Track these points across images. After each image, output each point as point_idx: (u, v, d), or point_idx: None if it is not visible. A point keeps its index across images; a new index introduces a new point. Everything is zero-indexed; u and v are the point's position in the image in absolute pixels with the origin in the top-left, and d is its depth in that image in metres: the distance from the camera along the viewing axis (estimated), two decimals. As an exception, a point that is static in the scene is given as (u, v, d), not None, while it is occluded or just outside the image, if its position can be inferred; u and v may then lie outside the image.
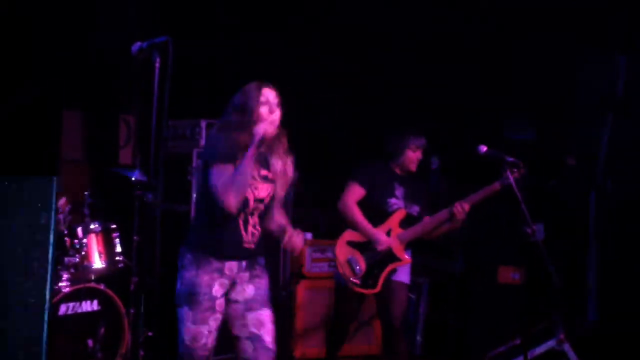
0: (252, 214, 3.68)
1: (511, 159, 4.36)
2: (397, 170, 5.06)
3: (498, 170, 4.47)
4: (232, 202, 3.48)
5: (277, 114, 3.64)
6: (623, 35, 5.85)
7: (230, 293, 3.69)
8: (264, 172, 3.69)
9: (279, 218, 3.86)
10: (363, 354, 6.03)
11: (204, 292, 3.61)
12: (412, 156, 5.00)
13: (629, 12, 5.76)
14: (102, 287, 5.03)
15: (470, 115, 6.33)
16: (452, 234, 5.08)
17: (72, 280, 4.98)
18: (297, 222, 4.96)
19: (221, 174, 3.51)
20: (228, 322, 3.73)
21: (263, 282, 3.79)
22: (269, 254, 5.89)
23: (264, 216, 3.77)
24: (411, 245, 5.01)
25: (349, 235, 4.97)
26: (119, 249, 5.26)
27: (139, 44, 4.21)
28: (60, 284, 4.89)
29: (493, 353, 5.16)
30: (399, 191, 5.02)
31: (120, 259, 5.27)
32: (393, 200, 4.99)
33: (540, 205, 4.79)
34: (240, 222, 3.66)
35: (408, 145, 5.00)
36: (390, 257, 4.90)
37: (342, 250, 4.92)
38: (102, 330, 4.97)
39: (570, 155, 5.81)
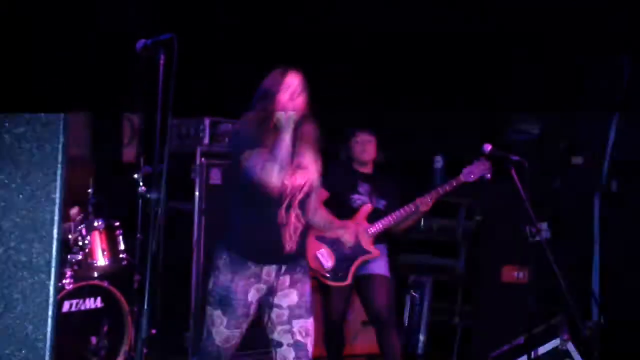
0: (291, 206, 3.56)
1: (516, 158, 4.37)
2: (358, 167, 5.18)
3: (502, 169, 4.47)
4: (274, 178, 3.40)
5: (300, 100, 3.56)
6: (627, 35, 5.85)
7: (271, 297, 3.61)
8: (295, 161, 3.57)
9: (323, 211, 3.95)
10: (366, 353, 6.02)
11: (240, 298, 3.57)
12: (357, 146, 5.14)
13: (631, 12, 5.76)
14: (105, 284, 5.03)
15: (474, 114, 6.33)
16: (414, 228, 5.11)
17: (76, 278, 4.98)
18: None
19: (257, 157, 3.45)
20: (268, 326, 3.66)
21: (306, 287, 3.69)
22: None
23: (304, 208, 3.65)
24: (383, 240, 5.11)
25: (316, 230, 4.86)
26: (122, 246, 5.25)
27: (143, 41, 4.21)
28: (63, 281, 4.89)
29: (496, 352, 5.15)
30: (362, 187, 5.12)
31: (124, 256, 5.26)
32: (356, 196, 5.08)
33: (545, 205, 4.77)
34: (281, 217, 3.53)
35: (349, 137, 5.18)
36: (359, 250, 4.95)
37: (310, 245, 4.87)
38: (106, 327, 4.97)
39: (575, 154, 5.81)
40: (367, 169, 5.20)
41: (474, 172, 4.89)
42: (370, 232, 4.99)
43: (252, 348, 5.76)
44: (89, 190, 5.25)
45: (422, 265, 5.92)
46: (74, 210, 5.15)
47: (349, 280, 4.94)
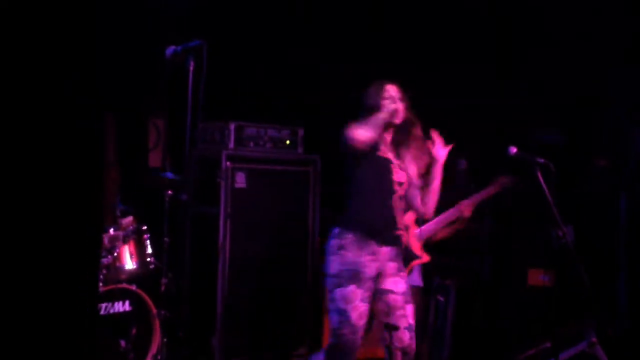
0: (395, 194, 4.01)
1: (542, 161, 4.36)
2: None
3: (527, 172, 4.47)
4: (360, 136, 3.86)
5: (400, 105, 4.04)
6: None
7: (384, 283, 3.96)
8: (397, 161, 4.09)
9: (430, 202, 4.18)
10: (372, 357, 6.02)
11: (368, 272, 3.88)
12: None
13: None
14: (133, 287, 5.08)
15: (499, 116, 6.33)
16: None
17: (105, 281, 5.03)
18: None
19: (352, 125, 3.91)
20: (384, 311, 3.98)
21: (405, 275, 4.13)
22: (297, 256, 5.98)
23: (403, 203, 4.10)
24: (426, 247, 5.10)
25: None
26: (150, 250, 5.30)
27: (173, 48, 4.26)
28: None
29: (523, 356, 5.15)
30: None
31: (151, 260, 5.31)
32: None
33: (570, 208, 4.78)
34: (393, 205, 4.00)
35: None
36: (410, 255, 4.94)
37: None
38: (134, 330, 5.02)
39: (600, 157, 5.80)
40: None
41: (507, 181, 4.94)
42: (420, 237, 4.97)
43: (263, 352, 5.80)
44: (117, 195, 5.32)
45: (446, 268, 5.89)
46: (127, 220, 5.19)
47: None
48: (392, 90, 4.11)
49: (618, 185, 5.73)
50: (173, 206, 5.19)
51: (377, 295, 3.95)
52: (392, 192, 4.00)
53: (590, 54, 6.02)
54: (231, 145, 5.61)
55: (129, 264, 5.21)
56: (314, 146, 6.05)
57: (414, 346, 3.95)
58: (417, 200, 4.17)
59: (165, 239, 5.19)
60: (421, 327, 5.12)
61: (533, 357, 5.03)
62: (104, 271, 5.08)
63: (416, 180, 4.15)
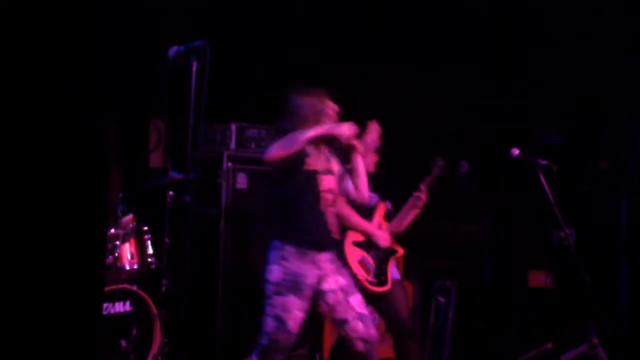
0: (325, 202, 4.11)
1: (544, 162, 4.36)
2: None
3: (529, 174, 4.46)
4: (275, 155, 3.93)
5: (341, 127, 4.07)
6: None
7: (322, 285, 4.05)
8: (324, 166, 4.18)
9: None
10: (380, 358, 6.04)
11: (308, 282, 3.99)
12: (372, 157, 5.05)
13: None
14: (134, 288, 5.08)
15: (499, 117, 6.34)
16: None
17: (106, 281, 5.02)
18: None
19: (275, 142, 4.00)
20: (329, 311, 4.08)
21: (347, 272, 4.23)
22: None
23: (334, 206, 4.20)
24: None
25: (352, 236, 4.99)
26: (150, 250, 5.29)
27: (176, 48, 4.24)
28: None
29: (524, 357, 5.15)
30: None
31: (152, 260, 5.30)
32: (371, 196, 5.04)
33: (571, 209, 4.78)
34: (325, 212, 4.11)
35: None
36: (389, 250, 4.99)
37: (351, 252, 4.92)
38: (135, 330, 5.02)
39: (602, 159, 5.80)
40: None
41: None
42: (392, 231, 5.02)
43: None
44: (118, 195, 5.31)
45: (447, 270, 5.92)
46: (127, 218, 5.19)
47: (389, 285, 4.91)
48: (331, 107, 4.20)
49: (619, 187, 5.74)
50: (174, 207, 5.18)
51: (317, 300, 4.07)
52: (322, 200, 4.11)
53: (590, 54, 6.02)
54: (232, 146, 5.61)
55: (130, 264, 5.20)
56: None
57: (372, 332, 4.05)
58: (351, 190, 4.31)
59: (166, 239, 5.18)
60: (420, 325, 5.12)
61: (534, 359, 5.03)
62: (105, 271, 5.07)
63: (343, 174, 4.31)
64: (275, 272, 4.01)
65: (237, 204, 5.60)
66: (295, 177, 4.06)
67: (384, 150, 5.78)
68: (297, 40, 6.55)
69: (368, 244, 4.96)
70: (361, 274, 4.87)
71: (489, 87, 6.60)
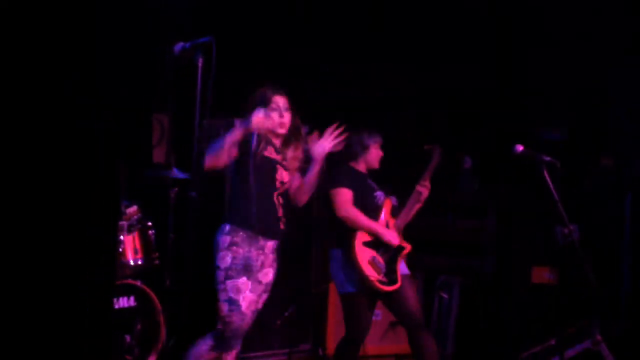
0: (278, 193, 4.28)
1: (548, 159, 4.36)
2: (363, 170, 5.12)
3: (532, 170, 4.47)
4: (208, 163, 4.17)
5: (286, 117, 4.32)
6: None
7: (257, 273, 4.23)
8: (284, 161, 4.36)
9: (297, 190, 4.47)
10: (394, 353, 6.06)
11: (257, 265, 4.19)
12: (377, 153, 5.13)
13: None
14: (138, 283, 5.08)
15: (501, 116, 6.36)
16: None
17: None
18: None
19: (210, 147, 4.24)
20: None
21: (277, 266, 4.37)
22: (300, 253, 6.01)
23: (285, 198, 4.36)
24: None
25: (361, 236, 4.91)
26: (155, 246, 5.29)
27: (181, 44, 4.26)
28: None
29: (527, 353, 5.17)
30: (374, 185, 5.12)
31: (156, 256, 5.30)
32: (378, 194, 5.08)
33: (575, 206, 4.78)
34: (276, 201, 4.27)
35: (371, 142, 5.13)
36: (397, 248, 4.96)
37: (362, 253, 4.86)
38: (139, 326, 5.03)
39: (606, 155, 5.82)
40: (366, 170, 5.16)
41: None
42: (399, 227, 5.01)
43: (266, 349, 5.81)
44: (121, 190, 5.31)
45: (450, 266, 5.94)
46: (131, 209, 5.19)
47: (399, 282, 4.87)
48: (280, 101, 4.35)
49: (623, 185, 5.75)
50: (178, 202, 5.19)
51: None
52: (275, 190, 4.28)
53: (590, 54, 6.04)
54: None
55: (134, 259, 5.20)
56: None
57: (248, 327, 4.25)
58: (292, 187, 4.44)
59: (171, 234, 5.19)
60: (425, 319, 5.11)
61: (538, 355, 5.05)
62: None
63: (296, 176, 4.44)
64: (226, 258, 4.16)
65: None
66: (256, 162, 4.21)
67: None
68: (297, 40, 6.55)
69: (377, 243, 4.91)
70: (372, 274, 4.80)
71: (489, 86, 6.62)
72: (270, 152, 4.34)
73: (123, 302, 5.02)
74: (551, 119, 6.37)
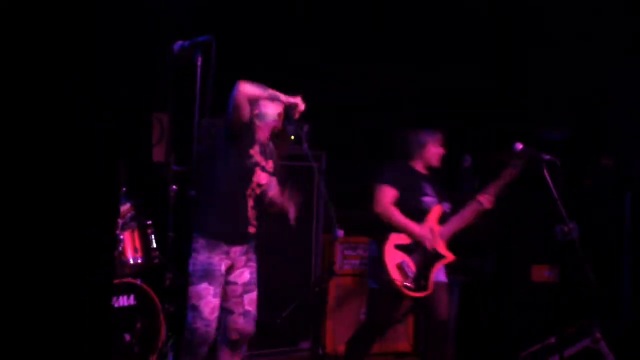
0: (251, 196, 4.22)
1: (548, 157, 4.35)
2: (421, 169, 5.02)
3: (533, 169, 4.46)
4: (247, 90, 4.12)
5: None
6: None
7: (230, 275, 4.22)
8: (266, 165, 4.31)
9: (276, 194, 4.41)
10: (393, 352, 6.06)
11: (218, 270, 4.13)
12: (436, 151, 5.00)
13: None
14: (138, 282, 5.07)
15: (504, 113, 6.35)
16: (484, 228, 5.07)
17: (109, 276, 5.03)
18: (328, 219, 5.04)
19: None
20: (224, 299, 4.24)
21: (255, 265, 4.36)
22: (302, 253, 6.00)
23: (262, 201, 4.31)
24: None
25: (395, 238, 4.85)
26: (154, 244, 5.29)
27: (180, 43, 4.26)
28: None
29: (527, 352, 5.16)
30: (428, 189, 4.97)
31: (156, 254, 5.30)
32: (427, 199, 4.94)
33: (575, 205, 4.78)
34: (247, 204, 4.20)
35: (428, 140, 5.00)
36: (435, 255, 4.85)
37: (391, 255, 4.79)
38: (139, 324, 5.02)
39: (606, 155, 5.82)
40: (426, 171, 5.05)
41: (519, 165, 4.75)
42: (442, 235, 4.88)
43: (266, 348, 5.80)
44: (121, 189, 5.31)
45: (450, 265, 5.90)
46: (125, 207, 5.19)
47: (430, 290, 4.77)
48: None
49: (623, 184, 5.75)
50: (178, 201, 5.18)
51: (224, 285, 4.23)
52: (249, 195, 4.22)
53: (590, 54, 6.04)
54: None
55: (134, 258, 5.20)
56: (319, 143, 6.05)
57: (248, 330, 4.27)
58: (270, 189, 4.39)
59: (170, 233, 5.18)
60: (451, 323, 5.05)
61: (537, 353, 5.05)
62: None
63: (273, 181, 4.41)
64: (189, 265, 4.17)
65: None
66: (234, 164, 4.17)
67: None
68: (297, 40, 6.55)
69: (411, 247, 4.83)
70: (398, 279, 4.74)
71: (489, 86, 6.62)
72: (255, 151, 4.28)
73: (123, 301, 5.01)
74: (551, 119, 6.36)
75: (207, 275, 4.11)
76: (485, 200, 4.82)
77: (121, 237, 5.13)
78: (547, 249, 5.68)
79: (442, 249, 4.87)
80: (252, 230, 4.26)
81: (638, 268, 5.62)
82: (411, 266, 4.79)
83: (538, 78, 6.43)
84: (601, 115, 6.18)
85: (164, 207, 5.25)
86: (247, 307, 4.28)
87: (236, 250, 4.21)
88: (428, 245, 4.82)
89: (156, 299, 5.10)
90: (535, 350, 5.08)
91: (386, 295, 4.82)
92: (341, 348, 5.89)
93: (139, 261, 5.22)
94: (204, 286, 4.10)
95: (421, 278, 4.78)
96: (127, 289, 5.03)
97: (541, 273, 5.74)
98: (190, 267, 4.17)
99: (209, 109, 4.22)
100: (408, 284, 4.75)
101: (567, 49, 6.22)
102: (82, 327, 2.66)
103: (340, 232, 5.99)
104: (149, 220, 5.33)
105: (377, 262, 4.81)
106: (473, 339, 6.06)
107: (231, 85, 6.32)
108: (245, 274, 4.29)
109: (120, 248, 5.12)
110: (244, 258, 4.27)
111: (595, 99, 6.22)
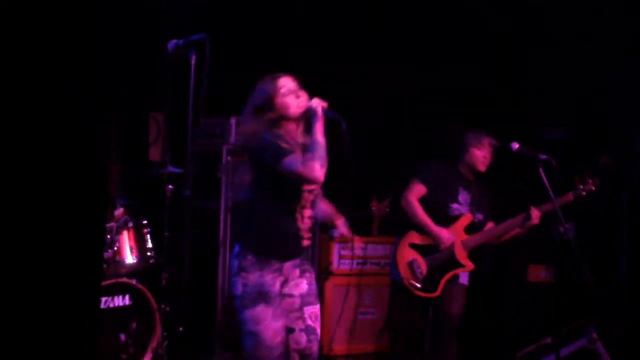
0: (305, 207, 3.70)
1: (544, 157, 4.33)
2: (465, 173, 4.98)
3: (529, 168, 4.44)
4: (319, 172, 3.45)
5: (303, 97, 3.67)
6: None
7: (285, 288, 3.71)
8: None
9: (325, 206, 3.92)
10: (372, 352, 6.03)
11: (272, 289, 3.63)
12: (479, 154, 4.92)
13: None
14: (133, 282, 5.06)
15: (502, 114, 6.34)
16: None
17: (104, 275, 5.02)
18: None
19: (295, 160, 3.49)
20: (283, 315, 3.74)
21: (313, 275, 3.86)
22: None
23: (314, 207, 3.78)
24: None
25: (411, 237, 4.89)
26: (150, 244, 5.29)
27: (174, 41, 4.25)
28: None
29: (523, 352, 5.15)
30: (462, 196, 4.96)
31: (152, 254, 5.30)
32: (455, 206, 4.93)
33: (573, 205, 4.76)
34: (298, 217, 3.68)
35: (471, 142, 4.93)
36: (453, 262, 4.85)
37: (403, 253, 4.84)
38: (134, 325, 5.01)
39: (603, 154, 5.80)
40: (472, 176, 5.00)
41: (585, 190, 4.60)
42: (466, 245, 4.88)
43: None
44: (117, 189, 5.32)
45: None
46: (118, 212, 5.19)
47: (438, 292, 4.80)
48: (287, 83, 3.71)
49: (621, 184, 5.73)
50: (174, 200, 5.18)
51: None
52: (301, 206, 3.68)
53: (590, 54, 6.02)
54: (232, 139, 5.60)
55: (129, 258, 5.19)
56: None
57: (314, 348, 3.75)
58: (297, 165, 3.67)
59: (166, 233, 5.18)
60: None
61: (533, 353, 5.03)
62: (104, 265, 5.06)
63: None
64: (237, 285, 3.66)
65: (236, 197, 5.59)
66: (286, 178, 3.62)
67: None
68: (297, 40, 6.55)
69: (427, 249, 4.85)
70: (406, 276, 4.80)
71: (489, 86, 6.60)
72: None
73: (118, 301, 5.00)
74: (551, 119, 6.35)
75: (262, 296, 3.60)
76: (535, 215, 4.70)
77: (117, 236, 5.12)
78: (544, 249, 5.66)
79: (462, 257, 4.86)
80: (305, 244, 3.77)
81: (635, 268, 5.60)
82: (422, 267, 4.82)
83: (538, 78, 6.41)
84: (601, 115, 6.16)
85: (160, 207, 5.27)
86: (309, 323, 3.73)
87: (288, 265, 3.72)
88: (442, 244, 4.81)
89: (151, 299, 5.09)
90: (532, 350, 5.07)
91: (399, 286, 4.89)
92: (338, 348, 5.92)
93: (135, 261, 5.20)
94: (260, 309, 3.59)
95: (431, 281, 4.80)
96: (122, 289, 5.01)
97: (538, 273, 5.73)
98: (239, 289, 3.64)
99: (203, 108, 4.21)
100: (414, 283, 4.78)
101: (567, 49, 6.20)
102: (69, 327, 2.65)
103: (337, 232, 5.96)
104: (144, 219, 5.32)
105: (394, 254, 4.89)
106: (470, 338, 6.04)
107: (231, 85, 6.36)
108: (302, 285, 3.76)
109: (115, 248, 5.11)
110: (297, 270, 3.77)
111: (595, 99, 6.20)
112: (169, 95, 5.70)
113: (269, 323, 3.60)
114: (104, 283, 4.92)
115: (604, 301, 5.21)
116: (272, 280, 3.63)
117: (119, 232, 5.11)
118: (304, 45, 6.54)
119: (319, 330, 3.78)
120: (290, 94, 3.66)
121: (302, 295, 3.74)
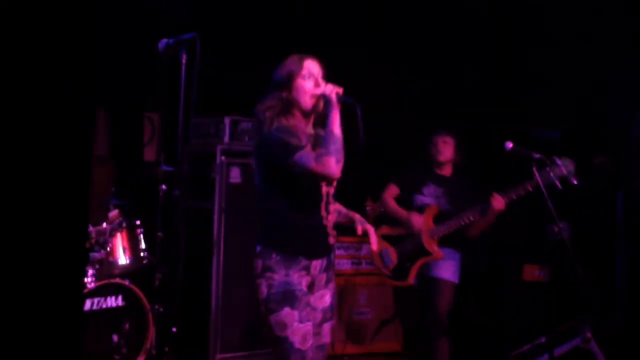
0: (329, 201, 3.52)
1: (538, 156, 4.31)
2: (437, 170, 5.22)
3: (523, 168, 4.43)
4: (335, 168, 3.27)
5: (321, 87, 3.44)
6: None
7: (305, 298, 3.45)
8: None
9: (337, 205, 3.69)
10: (384, 352, 6.02)
11: (300, 289, 3.41)
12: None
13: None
14: (126, 282, 5.06)
15: (495, 112, 6.32)
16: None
17: (97, 276, 5.02)
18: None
19: (307, 156, 3.29)
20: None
21: (334, 287, 3.67)
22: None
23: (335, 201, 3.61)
24: (449, 243, 5.06)
25: (383, 230, 5.17)
26: (143, 245, 5.28)
27: (165, 40, 4.24)
28: (85, 279, 4.92)
29: (518, 351, 5.13)
30: (429, 189, 5.15)
31: (145, 255, 5.29)
32: (419, 197, 5.15)
33: (567, 204, 4.74)
34: (323, 213, 3.48)
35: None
36: (421, 250, 5.01)
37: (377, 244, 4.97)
38: (127, 325, 5.01)
39: (598, 153, 5.77)
40: (444, 171, 5.23)
41: (554, 173, 4.53)
42: (434, 234, 5.02)
43: (264, 347, 5.77)
44: (111, 190, 5.31)
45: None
46: (113, 213, 5.18)
47: (410, 280, 5.02)
48: (312, 67, 3.52)
49: (616, 183, 5.70)
50: (167, 201, 5.18)
51: None
52: (322, 199, 3.48)
53: (590, 54, 6.00)
54: (226, 139, 5.59)
55: (122, 259, 5.20)
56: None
57: None
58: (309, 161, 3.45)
59: (159, 233, 5.17)
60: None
61: (527, 353, 5.01)
62: (97, 266, 5.07)
63: None
64: (261, 288, 3.42)
65: (230, 198, 5.59)
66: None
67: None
68: (297, 40, 6.53)
69: (397, 239, 5.11)
70: (378, 264, 5.13)
71: (489, 86, 6.58)
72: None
73: (111, 302, 5.00)
74: (551, 119, 6.32)
75: (288, 298, 3.35)
76: (497, 201, 4.76)
77: (109, 241, 5.12)
78: (538, 248, 5.64)
79: (429, 245, 5.00)
80: (332, 240, 3.55)
81: (630, 267, 5.57)
82: (392, 256, 5.09)
83: (538, 78, 6.38)
84: (601, 115, 6.13)
85: (153, 207, 5.26)
86: (325, 339, 3.55)
87: (316, 265, 3.48)
88: (414, 230, 5.03)
89: (144, 300, 5.08)
90: (526, 350, 5.04)
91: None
92: (335, 347, 5.90)
93: (128, 261, 5.20)
94: (286, 312, 3.34)
95: (401, 269, 5.04)
96: (115, 290, 5.02)
97: (532, 272, 5.71)
98: (264, 292, 3.39)
99: (194, 107, 4.19)
100: (386, 272, 5.08)
101: (567, 48, 6.17)
102: (51, 327, 2.64)
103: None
104: (138, 220, 5.31)
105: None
106: (464, 337, 6.02)
107: (231, 85, 6.36)
108: (326, 298, 3.55)
109: (108, 248, 5.11)
110: (324, 276, 3.54)
111: (595, 99, 6.17)
112: (165, 95, 5.70)
113: (296, 327, 3.35)
114: (97, 284, 4.92)
115: (599, 301, 5.18)
116: (298, 279, 3.40)
117: (112, 234, 5.10)
118: (303, 45, 6.51)
119: (327, 345, 3.61)
120: (310, 78, 3.46)
121: (324, 311, 3.55)
